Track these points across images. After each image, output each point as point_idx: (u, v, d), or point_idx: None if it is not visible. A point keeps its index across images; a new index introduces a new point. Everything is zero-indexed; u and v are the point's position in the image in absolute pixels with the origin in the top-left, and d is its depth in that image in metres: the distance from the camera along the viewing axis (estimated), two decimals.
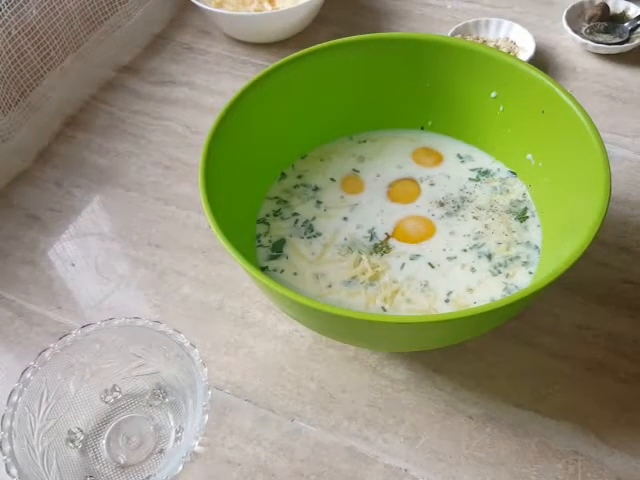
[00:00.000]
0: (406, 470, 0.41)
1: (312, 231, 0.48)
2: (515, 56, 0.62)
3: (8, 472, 0.37)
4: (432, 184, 0.49)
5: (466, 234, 0.46)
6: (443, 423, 0.42)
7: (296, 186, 0.50)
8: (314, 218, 0.48)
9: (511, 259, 0.45)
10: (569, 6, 0.66)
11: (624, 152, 0.57)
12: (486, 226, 0.47)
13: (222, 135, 0.43)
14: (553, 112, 0.44)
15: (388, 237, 0.46)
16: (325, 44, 0.48)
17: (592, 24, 0.66)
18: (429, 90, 0.50)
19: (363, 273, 0.44)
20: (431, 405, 0.43)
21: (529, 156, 0.47)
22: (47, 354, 0.41)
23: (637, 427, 0.41)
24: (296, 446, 0.42)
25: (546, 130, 0.45)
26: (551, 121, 0.44)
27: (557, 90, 0.43)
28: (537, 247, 0.45)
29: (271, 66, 0.47)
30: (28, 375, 0.40)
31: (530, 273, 0.44)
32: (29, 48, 0.58)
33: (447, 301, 0.43)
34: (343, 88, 0.50)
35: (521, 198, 0.48)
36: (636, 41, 0.63)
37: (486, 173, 0.50)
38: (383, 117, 0.52)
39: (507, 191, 0.48)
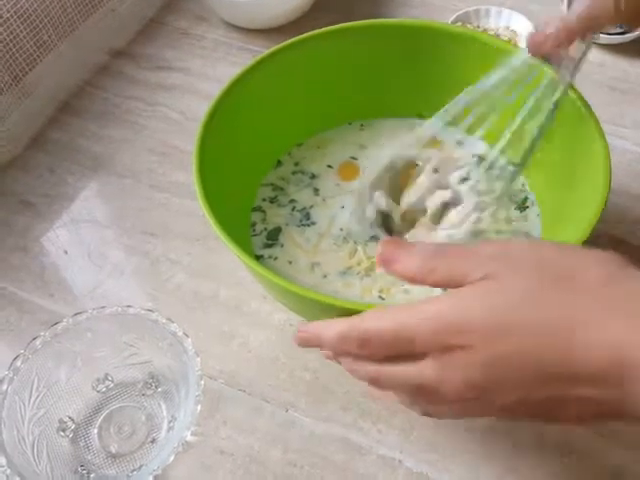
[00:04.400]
0: (400, 461, 0.40)
1: (308, 219, 0.47)
2: (515, 44, 0.61)
3: None
4: (433, 172, 0.49)
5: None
6: None
7: (294, 172, 0.50)
8: (311, 206, 0.48)
9: None
10: None
11: (623, 143, 0.56)
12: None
13: (217, 122, 0.43)
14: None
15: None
16: (323, 30, 0.47)
17: None
18: (428, 78, 0.49)
19: (358, 264, 0.44)
20: None
21: None
22: (38, 342, 0.40)
23: None
24: (290, 436, 0.42)
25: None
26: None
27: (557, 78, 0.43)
28: (536, 237, 0.45)
29: (267, 52, 0.46)
30: (18, 363, 0.40)
31: None
32: (22, 31, 0.57)
33: (445, 290, 0.42)
34: (341, 75, 0.49)
35: (521, 187, 0.47)
36: (637, 32, 0.63)
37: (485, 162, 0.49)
38: (381, 105, 0.51)
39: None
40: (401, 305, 0.28)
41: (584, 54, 0.39)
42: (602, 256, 0.27)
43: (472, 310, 0.26)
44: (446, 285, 0.28)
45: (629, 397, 0.25)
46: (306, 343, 0.33)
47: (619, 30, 0.63)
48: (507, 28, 0.65)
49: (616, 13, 0.35)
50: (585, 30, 0.37)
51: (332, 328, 0.30)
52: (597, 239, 0.50)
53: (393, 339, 0.28)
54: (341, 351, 0.31)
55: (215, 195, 0.39)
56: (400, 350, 0.28)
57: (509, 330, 0.26)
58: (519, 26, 0.64)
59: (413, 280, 0.29)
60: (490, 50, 0.46)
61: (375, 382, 0.31)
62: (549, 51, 0.37)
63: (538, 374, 0.26)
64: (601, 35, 0.62)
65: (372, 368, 0.30)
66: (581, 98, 0.41)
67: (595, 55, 0.63)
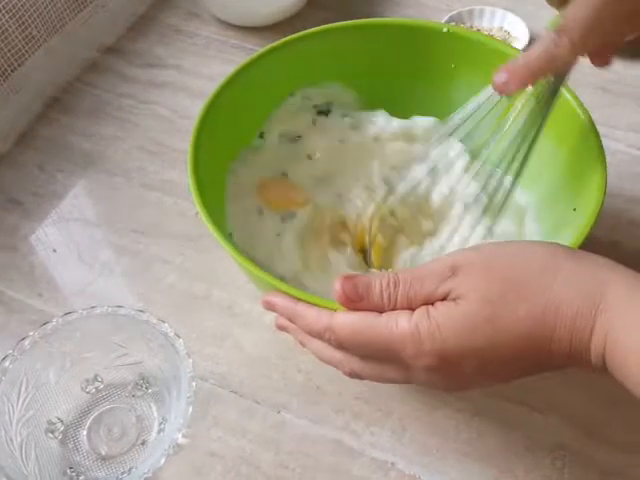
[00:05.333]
0: (392, 464, 0.40)
1: None
2: (509, 45, 0.61)
3: None
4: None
5: None
6: (430, 417, 0.42)
7: None
8: None
9: None
10: None
11: (616, 145, 0.56)
12: None
13: (212, 120, 0.42)
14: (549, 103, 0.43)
15: None
16: (317, 29, 0.47)
17: None
18: (422, 78, 0.49)
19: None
20: (418, 398, 0.43)
21: None
22: (26, 342, 0.40)
23: (625, 421, 0.41)
24: (282, 438, 0.41)
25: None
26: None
27: (553, 80, 0.43)
28: None
29: (262, 50, 0.46)
30: (7, 364, 0.39)
31: None
32: (10, 26, 0.56)
33: None
34: (336, 74, 0.48)
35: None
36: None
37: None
38: (375, 106, 0.51)
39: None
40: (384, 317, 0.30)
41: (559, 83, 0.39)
42: (541, 252, 0.30)
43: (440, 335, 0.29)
44: (409, 309, 0.30)
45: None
46: (271, 309, 0.35)
47: None
48: (501, 29, 0.65)
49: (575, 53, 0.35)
50: (546, 71, 0.37)
51: (317, 319, 0.32)
52: (592, 242, 0.50)
53: (372, 350, 0.31)
54: (314, 337, 0.33)
55: (210, 194, 0.39)
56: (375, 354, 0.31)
57: (474, 352, 0.29)
58: (513, 27, 0.64)
59: (379, 312, 0.31)
60: (484, 49, 0.46)
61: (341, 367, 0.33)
62: (514, 91, 0.37)
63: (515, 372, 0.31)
64: None
65: (351, 362, 0.33)
66: (577, 99, 0.42)
67: None
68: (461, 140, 0.44)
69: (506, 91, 0.37)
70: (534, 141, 0.39)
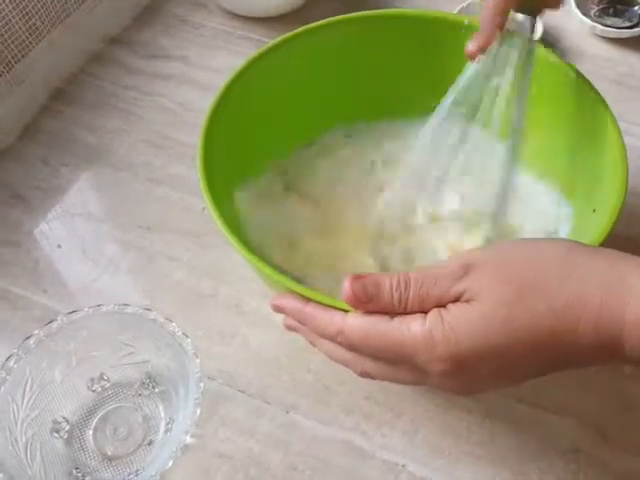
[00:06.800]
0: (403, 465, 0.39)
1: None
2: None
3: None
4: None
5: None
6: (442, 418, 0.41)
7: None
8: None
9: None
10: None
11: (631, 140, 0.54)
12: None
13: (222, 115, 0.41)
14: (567, 96, 0.42)
15: None
16: (331, 20, 0.45)
17: (601, 7, 0.64)
18: (436, 71, 0.48)
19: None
20: (430, 399, 0.42)
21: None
22: (31, 341, 0.39)
23: None
24: (291, 439, 0.41)
25: (559, 115, 0.43)
26: (564, 106, 0.43)
27: (572, 73, 0.42)
28: None
29: (275, 41, 0.44)
30: (11, 363, 0.38)
31: None
32: (14, 17, 0.55)
33: None
34: (350, 68, 0.47)
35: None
36: None
37: None
38: (390, 102, 0.49)
39: None
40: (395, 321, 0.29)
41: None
42: (555, 249, 0.29)
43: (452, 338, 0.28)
44: (420, 312, 0.29)
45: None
46: (280, 311, 0.34)
47: (628, 24, 0.62)
48: (511, 20, 0.64)
49: None
50: (505, 7, 0.40)
51: (327, 322, 0.31)
52: (612, 241, 0.49)
53: (384, 353, 0.30)
54: (325, 338, 0.32)
55: (218, 190, 0.38)
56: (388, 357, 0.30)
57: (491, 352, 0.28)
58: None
59: (389, 314, 0.30)
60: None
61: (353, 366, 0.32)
62: (484, 49, 0.39)
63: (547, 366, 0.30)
64: (610, 29, 0.61)
65: (362, 362, 0.32)
66: (597, 93, 0.40)
67: (603, 49, 0.62)
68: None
69: (478, 49, 0.39)
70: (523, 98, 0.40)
